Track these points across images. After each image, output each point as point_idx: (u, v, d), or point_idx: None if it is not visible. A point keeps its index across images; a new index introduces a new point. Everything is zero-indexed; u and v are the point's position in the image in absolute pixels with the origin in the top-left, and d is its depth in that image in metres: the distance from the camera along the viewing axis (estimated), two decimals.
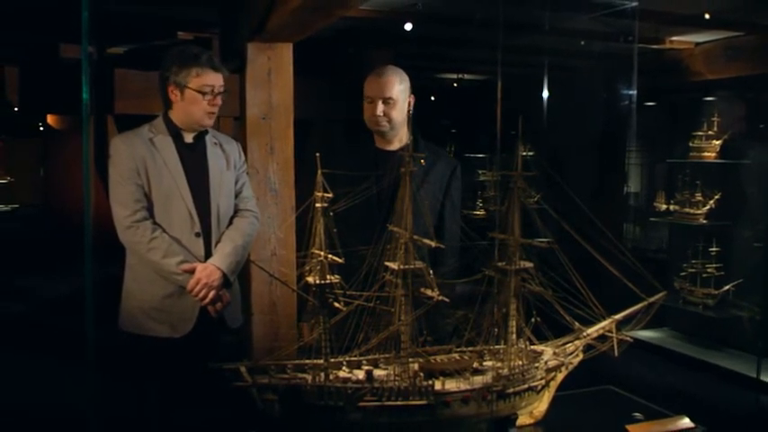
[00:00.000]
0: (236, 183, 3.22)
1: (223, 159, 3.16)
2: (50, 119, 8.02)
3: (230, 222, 3.15)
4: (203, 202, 3.06)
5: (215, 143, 3.17)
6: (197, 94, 2.99)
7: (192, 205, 3.02)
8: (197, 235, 3.02)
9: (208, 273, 2.93)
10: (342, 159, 2.94)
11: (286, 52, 4.03)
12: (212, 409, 2.97)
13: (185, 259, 2.96)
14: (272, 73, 4.01)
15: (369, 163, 3.09)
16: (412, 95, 3.15)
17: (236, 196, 3.21)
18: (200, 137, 3.14)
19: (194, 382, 2.92)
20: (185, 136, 3.11)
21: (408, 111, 3.14)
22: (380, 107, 3.07)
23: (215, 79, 3.02)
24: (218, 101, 3.05)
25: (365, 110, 3.15)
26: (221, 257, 2.99)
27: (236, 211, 3.19)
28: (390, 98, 3.07)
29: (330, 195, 2.22)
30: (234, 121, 4.89)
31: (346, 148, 3.27)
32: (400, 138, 3.18)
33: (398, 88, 3.10)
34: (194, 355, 2.93)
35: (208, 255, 3.03)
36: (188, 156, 3.09)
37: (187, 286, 2.91)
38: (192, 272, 2.93)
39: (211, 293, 2.92)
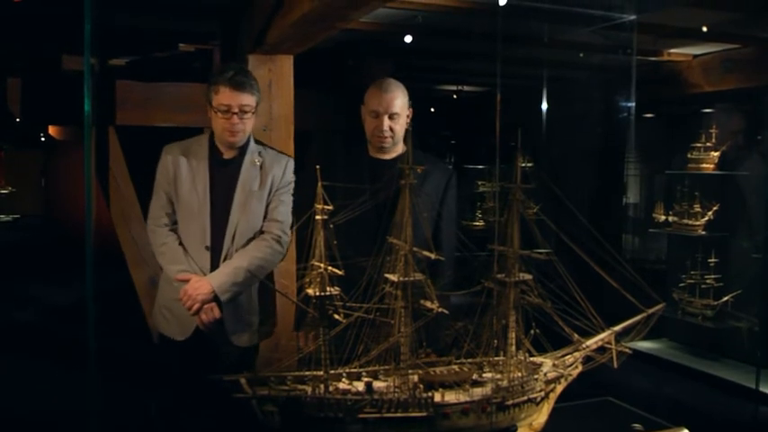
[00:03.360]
0: (270, 203, 3.19)
1: (257, 178, 3.14)
2: (52, 129, 8.04)
3: (251, 240, 3.15)
4: (222, 217, 3.10)
5: (256, 161, 3.15)
6: (215, 112, 3.02)
7: (207, 219, 3.08)
8: (206, 248, 3.09)
9: (196, 286, 2.99)
10: (336, 169, 2.95)
11: (286, 64, 4.06)
12: (212, 420, 2.99)
13: (185, 269, 3.06)
14: (273, 84, 4.04)
15: (364, 172, 3.09)
16: (410, 108, 3.16)
17: (266, 216, 3.19)
18: (240, 153, 3.14)
19: (192, 388, 2.95)
20: (223, 151, 3.13)
21: (407, 123, 3.14)
22: (386, 123, 3.05)
23: (234, 99, 2.97)
24: (236, 120, 3.00)
25: (368, 124, 3.13)
26: (217, 275, 3.04)
27: (261, 232, 3.18)
28: (396, 113, 3.06)
29: (330, 207, 2.23)
30: None
31: (340, 157, 3.25)
32: (396, 149, 3.18)
33: (402, 102, 3.10)
34: (193, 361, 3.02)
35: (215, 269, 3.08)
36: (219, 171, 3.12)
37: (179, 294, 3.01)
38: (187, 281, 3.02)
39: (195, 306, 2.98)
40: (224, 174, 3.12)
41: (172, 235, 3.12)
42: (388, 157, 3.17)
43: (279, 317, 3.79)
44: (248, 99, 3.01)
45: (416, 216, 2.37)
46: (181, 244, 3.11)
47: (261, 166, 3.17)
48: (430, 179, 3.15)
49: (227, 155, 3.14)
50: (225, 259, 3.09)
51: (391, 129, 3.08)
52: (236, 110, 2.99)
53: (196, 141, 3.16)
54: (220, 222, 3.09)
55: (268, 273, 3.21)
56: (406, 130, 3.11)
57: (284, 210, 3.23)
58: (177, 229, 3.14)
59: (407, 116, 3.15)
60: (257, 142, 3.22)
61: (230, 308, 3.08)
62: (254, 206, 3.14)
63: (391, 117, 3.07)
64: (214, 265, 3.08)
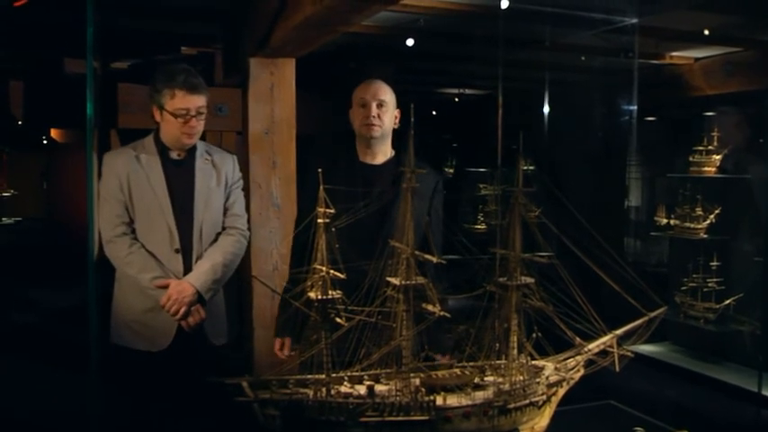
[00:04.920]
0: (227, 199, 3.21)
1: (213, 175, 3.16)
2: (54, 132, 8.06)
3: (216, 239, 3.15)
4: (186, 218, 3.07)
5: (206, 159, 3.16)
6: (171, 117, 2.99)
7: (172, 221, 3.04)
8: (176, 251, 3.05)
9: (180, 289, 2.96)
10: (327, 174, 2.93)
11: (288, 67, 4.06)
12: (213, 424, 2.99)
13: (160, 275, 2.99)
14: (275, 88, 4.04)
15: (355, 178, 3.06)
16: (398, 109, 3.15)
17: (226, 213, 3.20)
18: (190, 153, 3.14)
19: (175, 396, 2.95)
20: (173, 152, 3.11)
21: (395, 124, 3.14)
22: (375, 110, 3.04)
23: (190, 102, 2.97)
24: (195, 122, 3.01)
25: (356, 115, 3.11)
26: (197, 275, 3.02)
27: (224, 228, 3.19)
28: (384, 101, 3.05)
29: (332, 211, 2.23)
30: (237, 135, 4.91)
31: (330, 162, 3.23)
32: (384, 152, 3.16)
33: (389, 96, 3.09)
34: (173, 369, 2.98)
35: (187, 271, 3.05)
36: (174, 172, 3.09)
37: (160, 301, 2.95)
38: (166, 287, 2.97)
39: (182, 309, 2.95)
40: (178, 174, 3.10)
41: (136, 243, 3.02)
42: (377, 162, 3.16)
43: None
44: (203, 100, 3.03)
45: (417, 220, 2.37)
46: (147, 250, 3.03)
47: (213, 164, 3.17)
48: (419, 184, 3.13)
49: (179, 155, 3.12)
50: (197, 260, 3.07)
51: (380, 117, 3.05)
52: (194, 112, 2.99)
53: (140, 145, 3.11)
54: (185, 223, 3.07)
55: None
56: (395, 130, 3.13)
57: (241, 204, 3.27)
58: (137, 236, 3.05)
59: (396, 116, 3.14)
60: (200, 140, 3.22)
61: (207, 307, 3.06)
62: (214, 203, 3.15)
63: (379, 105, 3.05)
64: (186, 267, 3.05)
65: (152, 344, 3.04)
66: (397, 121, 3.14)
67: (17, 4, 3.40)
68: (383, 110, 3.07)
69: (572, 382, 2.54)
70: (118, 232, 3.01)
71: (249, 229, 3.29)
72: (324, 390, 2.16)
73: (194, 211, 3.08)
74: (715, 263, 5.96)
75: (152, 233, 3.04)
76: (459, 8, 4.52)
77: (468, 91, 8.58)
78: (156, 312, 2.99)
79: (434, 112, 8.95)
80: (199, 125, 3.04)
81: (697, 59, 6.35)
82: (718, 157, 6.05)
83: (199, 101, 3.00)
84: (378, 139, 3.10)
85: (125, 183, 3.02)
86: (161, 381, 2.99)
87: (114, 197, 3.02)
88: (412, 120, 2.70)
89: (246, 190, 3.38)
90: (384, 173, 3.10)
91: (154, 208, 3.03)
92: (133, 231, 3.04)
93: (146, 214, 3.04)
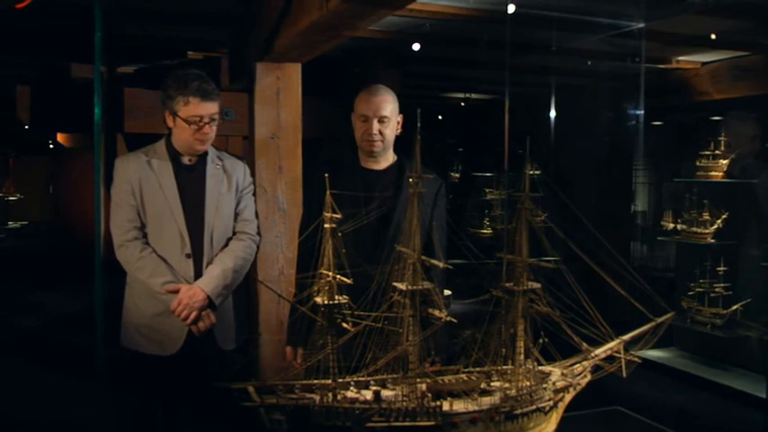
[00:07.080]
0: (238, 204, 3.21)
1: (224, 181, 3.16)
2: (60, 137, 8.08)
3: (227, 244, 3.15)
4: (197, 223, 3.07)
5: (217, 164, 3.17)
6: (184, 123, 2.99)
7: (183, 226, 3.05)
8: (187, 256, 3.05)
9: (190, 294, 2.96)
10: (329, 178, 2.93)
11: (294, 72, 4.06)
12: (209, 429, 2.99)
13: (171, 280, 3.00)
14: (281, 92, 4.03)
15: (357, 183, 3.05)
16: (400, 114, 3.14)
17: (236, 218, 3.21)
18: (202, 158, 3.14)
19: (184, 401, 2.95)
20: (184, 158, 3.12)
21: (397, 130, 3.13)
22: (376, 126, 3.03)
23: (204, 109, 2.98)
24: (208, 129, 3.01)
25: (357, 128, 3.10)
26: (208, 280, 3.02)
27: (234, 234, 3.19)
28: (386, 117, 3.04)
29: (339, 216, 2.23)
30: (242, 140, 4.92)
31: (333, 166, 3.22)
32: (386, 158, 3.16)
33: (391, 107, 3.08)
34: (183, 374, 2.99)
35: (198, 276, 3.05)
36: (185, 177, 3.10)
37: (171, 306, 2.96)
38: (176, 292, 2.97)
39: (193, 314, 2.95)
40: (189, 179, 3.11)
41: (147, 247, 3.03)
42: (379, 167, 3.15)
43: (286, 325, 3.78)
44: (215, 107, 3.03)
45: (422, 224, 2.37)
46: (158, 255, 3.04)
47: (223, 169, 3.18)
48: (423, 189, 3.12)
49: (191, 160, 3.13)
50: (207, 265, 3.07)
51: (381, 132, 3.05)
52: (208, 119, 3.00)
53: (152, 150, 3.12)
54: (195, 228, 3.07)
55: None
56: (397, 136, 3.12)
57: (251, 210, 3.27)
58: (148, 240, 3.06)
59: (398, 122, 3.13)
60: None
61: (217, 312, 3.06)
62: (225, 208, 3.15)
63: (381, 120, 3.04)
64: (197, 272, 3.05)
65: (162, 348, 3.04)
66: (399, 126, 3.13)
67: (19, 5, 3.41)
68: (384, 125, 3.06)
69: (579, 388, 2.54)
70: (129, 237, 3.01)
71: (259, 234, 3.29)
72: (330, 395, 2.16)
73: (205, 216, 3.09)
74: (722, 268, 5.93)
75: (163, 238, 3.04)
76: (465, 13, 4.52)
77: (474, 95, 8.58)
78: (166, 317, 2.99)
79: (440, 117, 8.96)
80: (212, 131, 3.04)
81: (704, 64, 6.34)
82: (725, 161, 6.02)
83: (212, 108, 3.01)
84: (380, 151, 3.11)
85: (137, 187, 3.03)
86: (170, 385, 3.01)
87: (126, 202, 3.03)
88: (418, 125, 2.70)
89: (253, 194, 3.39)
90: (386, 178, 3.10)
91: (165, 213, 3.04)
92: (145, 236, 3.05)
93: (157, 219, 3.04)
